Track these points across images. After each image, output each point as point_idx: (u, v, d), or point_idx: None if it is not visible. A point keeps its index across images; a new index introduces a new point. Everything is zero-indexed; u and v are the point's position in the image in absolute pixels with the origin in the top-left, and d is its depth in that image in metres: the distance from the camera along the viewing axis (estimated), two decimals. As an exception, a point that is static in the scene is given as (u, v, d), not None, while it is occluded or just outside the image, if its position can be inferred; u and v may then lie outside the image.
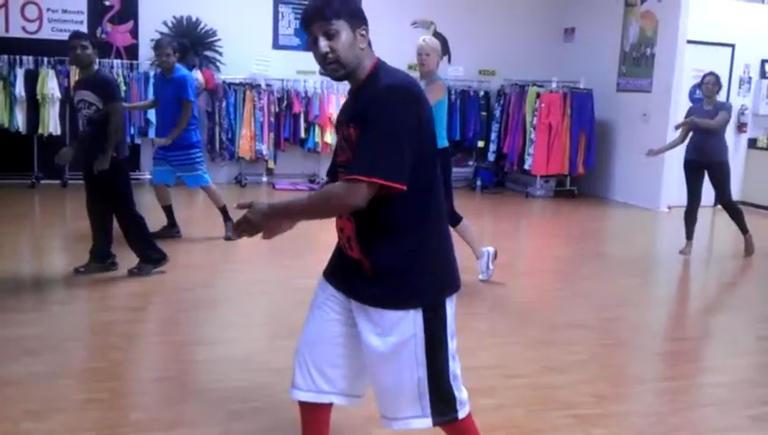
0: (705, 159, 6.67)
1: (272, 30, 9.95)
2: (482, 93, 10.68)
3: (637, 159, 9.92)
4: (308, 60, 11.51)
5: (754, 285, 6.35)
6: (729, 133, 9.09)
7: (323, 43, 2.16)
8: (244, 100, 9.59)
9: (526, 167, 10.17)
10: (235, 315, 4.74)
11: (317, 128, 9.94)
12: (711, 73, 6.76)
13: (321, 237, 6.86)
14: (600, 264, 6.68)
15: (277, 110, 9.77)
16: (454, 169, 10.80)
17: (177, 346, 4.07)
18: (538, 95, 10.02)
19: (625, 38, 10.05)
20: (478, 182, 10.65)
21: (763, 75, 10.02)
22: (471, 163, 10.85)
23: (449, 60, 10.77)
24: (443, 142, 4.88)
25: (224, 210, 6.55)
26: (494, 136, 10.62)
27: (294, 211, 2.26)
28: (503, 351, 4.13)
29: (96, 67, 5.14)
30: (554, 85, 10.09)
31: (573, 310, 5.05)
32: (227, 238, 6.45)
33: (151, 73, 9.07)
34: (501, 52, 10.78)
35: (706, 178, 6.79)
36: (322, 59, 2.17)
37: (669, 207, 9.43)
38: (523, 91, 10.31)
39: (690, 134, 6.78)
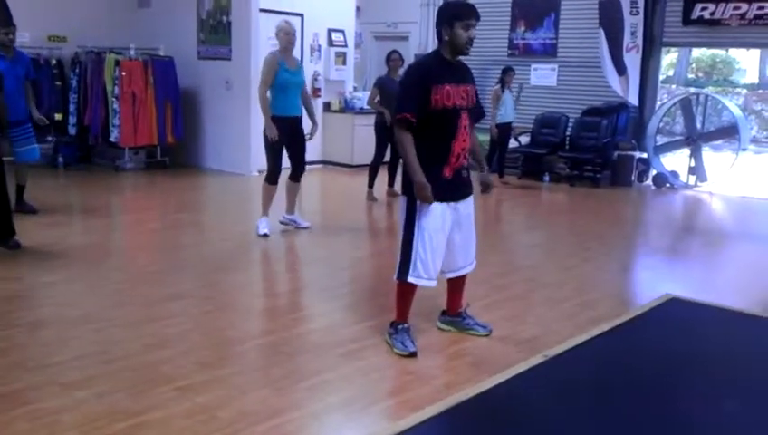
0: None
1: None
2: (54, 62, 9.78)
3: (223, 126, 10.10)
4: None
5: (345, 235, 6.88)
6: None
7: (475, 33, 3.54)
8: None
9: (112, 139, 9.65)
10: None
11: None
12: (396, 51, 8.21)
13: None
14: (196, 231, 6.67)
15: None
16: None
17: None
18: (117, 63, 9.53)
19: (201, 6, 10.06)
20: (60, 159, 9.80)
21: (330, 43, 10.87)
22: (50, 139, 9.88)
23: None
24: None
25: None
26: (72, 108, 9.82)
27: None
28: (98, 336, 3.86)
29: None
30: (132, 53, 9.71)
31: (172, 282, 4.95)
32: None
33: None
34: (70, 17, 9.97)
35: None
36: (470, 42, 3.51)
37: (260, 172, 9.79)
38: (100, 59, 9.67)
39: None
